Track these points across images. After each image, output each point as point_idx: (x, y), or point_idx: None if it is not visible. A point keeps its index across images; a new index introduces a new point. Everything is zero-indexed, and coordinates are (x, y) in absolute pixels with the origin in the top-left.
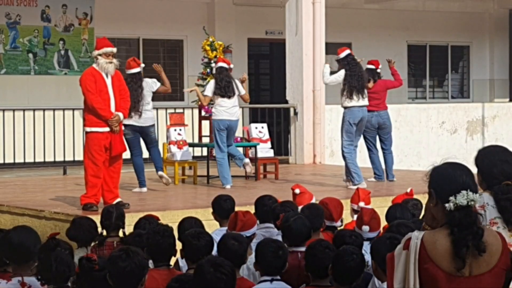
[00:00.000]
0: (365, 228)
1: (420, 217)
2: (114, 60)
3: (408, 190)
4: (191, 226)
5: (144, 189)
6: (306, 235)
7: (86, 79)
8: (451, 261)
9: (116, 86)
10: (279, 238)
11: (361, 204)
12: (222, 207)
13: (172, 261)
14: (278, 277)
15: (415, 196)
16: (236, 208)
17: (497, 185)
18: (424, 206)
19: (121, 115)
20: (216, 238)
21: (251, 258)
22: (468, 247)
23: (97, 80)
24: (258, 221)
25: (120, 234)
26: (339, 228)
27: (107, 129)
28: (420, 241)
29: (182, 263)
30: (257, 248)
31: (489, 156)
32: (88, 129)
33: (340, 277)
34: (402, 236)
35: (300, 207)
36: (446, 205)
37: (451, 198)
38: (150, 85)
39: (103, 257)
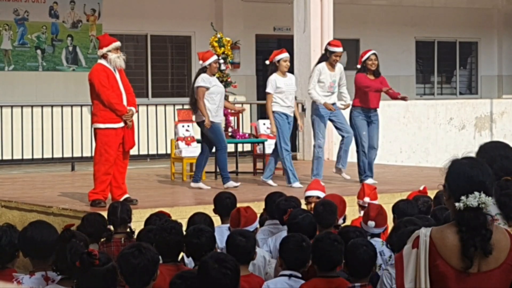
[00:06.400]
0: (371, 223)
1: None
2: (122, 54)
3: (421, 188)
4: (200, 222)
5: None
6: (312, 233)
7: (99, 75)
8: (460, 258)
9: (124, 81)
10: (285, 233)
11: (366, 199)
12: (223, 205)
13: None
14: (299, 275)
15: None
16: (241, 205)
17: (497, 180)
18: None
19: (133, 109)
20: (216, 235)
21: (259, 255)
22: (476, 247)
23: (109, 76)
24: (267, 217)
25: (127, 230)
26: (343, 225)
27: (121, 124)
28: (429, 238)
29: (188, 261)
30: (282, 243)
31: (489, 151)
32: (101, 125)
33: (355, 270)
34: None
35: (311, 204)
36: (456, 204)
37: (463, 198)
38: None
39: (105, 253)
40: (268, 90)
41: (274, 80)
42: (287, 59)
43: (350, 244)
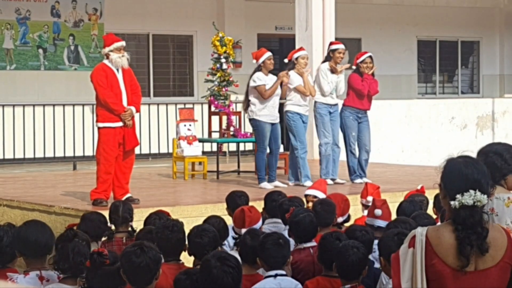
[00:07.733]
0: (377, 211)
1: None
2: (126, 54)
3: (419, 187)
4: (213, 225)
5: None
6: (313, 232)
7: (97, 74)
8: (456, 256)
9: (127, 81)
10: (286, 233)
11: (370, 198)
12: (237, 203)
13: (183, 256)
14: (283, 272)
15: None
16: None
17: None
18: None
19: (133, 109)
20: (232, 233)
21: None
22: (472, 245)
23: (108, 75)
24: (266, 216)
25: (129, 229)
26: (346, 224)
27: (120, 124)
28: (425, 237)
29: None
30: (258, 243)
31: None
32: (100, 124)
33: (345, 272)
34: (408, 232)
35: (311, 203)
36: (452, 202)
37: (458, 196)
38: None
39: (113, 252)
40: (290, 86)
41: (295, 77)
42: (305, 56)
43: (340, 246)
